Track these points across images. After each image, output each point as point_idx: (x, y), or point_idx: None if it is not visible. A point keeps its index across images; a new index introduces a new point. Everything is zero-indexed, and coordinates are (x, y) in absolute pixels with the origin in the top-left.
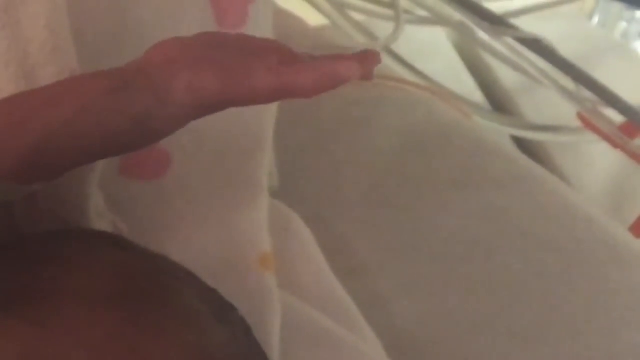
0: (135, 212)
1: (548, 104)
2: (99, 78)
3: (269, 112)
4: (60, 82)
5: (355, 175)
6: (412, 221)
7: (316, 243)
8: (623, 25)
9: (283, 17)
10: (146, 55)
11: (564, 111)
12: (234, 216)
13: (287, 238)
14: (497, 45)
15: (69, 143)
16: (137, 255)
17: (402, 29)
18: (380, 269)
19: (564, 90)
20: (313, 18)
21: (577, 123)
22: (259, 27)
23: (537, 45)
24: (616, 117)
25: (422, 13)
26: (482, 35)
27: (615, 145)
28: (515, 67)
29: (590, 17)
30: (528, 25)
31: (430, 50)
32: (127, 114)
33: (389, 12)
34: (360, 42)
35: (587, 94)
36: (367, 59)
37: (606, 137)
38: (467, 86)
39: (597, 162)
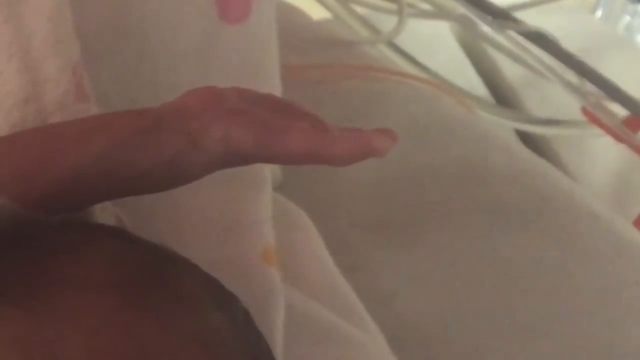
0: (138, 205)
1: (552, 97)
2: (132, 116)
3: None
4: (93, 117)
5: (357, 169)
6: (415, 214)
7: (320, 237)
8: (626, 18)
9: (286, 11)
10: (182, 99)
11: (568, 105)
12: (237, 209)
13: (290, 232)
14: (500, 39)
15: (96, 180)
16: (137, 246)
17: (405, 23)
18: (383, 264)
19: (567, 84)
20: (316, 11)
21: (580, 117)
22: (262, 21)
23: (540, 39)
24: (620, 111)
25: (425, 7)
26: (486, 29)
27: (619, 139)
28: (519, 61)
29: (594, 10)
30: (531, 19)
31: (433, 44)
32: (158, 155)
33: (392, 5)
34: (363, 35)
35: (590, 87)
36: (388, 135)
37: (610, 131)
38: (470, 80)
39: (600, 156)
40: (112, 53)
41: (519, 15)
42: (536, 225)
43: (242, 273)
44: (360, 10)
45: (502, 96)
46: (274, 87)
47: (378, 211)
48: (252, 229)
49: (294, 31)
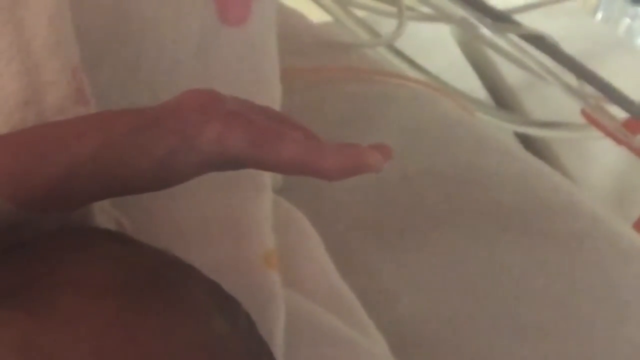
0: (138, 209)
1: (551, 100)
2: (126, 115)
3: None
4: (87, 116)
5: None
6: (415, 217)
7: (320, 240)
8: (626, 21)
9: (286, 14)
10: (178, 98)
11: (568, 108)
12: (237, 213)
13: (291, 235)
14: (500, 41)
15: (90, 178)
16: (138, 250)
17: (405, 26)
18: (383, 267)
19: (567, 87)
20: (316, 15)
21: (580, 119)
22: (262, 23)
23: (540, 41)
24: (620, 114)
25: (425, 10)
26: (486, 32)
27: (618, 141)
28: (519, 64)
29: (594, 13)
30: (531, 21)
31: (433, 47)
32: (151, 154)
33: (392, 8)
34: (363, 38)
35: (590, 90)
36: (383, 151)
37: (610, 134)
38: (470, 83)
39: (600, 158)
40: (112, 56)
41: (519, 18)
42: (536, 228)
43: (242, 276)
44: (360, 13)
45: (502, 99)
46: (273, 89)
47: (378, 214)
48: (252, 232)
49: (294, 34)
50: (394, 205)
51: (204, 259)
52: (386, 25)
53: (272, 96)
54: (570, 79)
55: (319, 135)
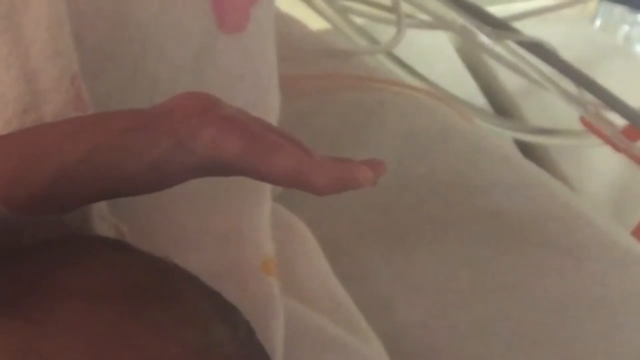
0: (137, 216)
1: (550, 107)
2: (119, 116)
3: (272, 115)
4: (79, 118)
5: None
6: (413, 224)
7: (319, 247)
8: (625, 28)
9: (285, 21)
10: (174, 100)
11: (567, 115)
12: (236, 220)
13: (290, 242)
14: (499, 49)
15: (83, 180)
16: (137, 257)
17: (404, 33)
18: (382, 273)
19: (566, 94)
20: (315, 22)
21: (579, 127)
22: (261, 31)
23: (539, 48)
24: (619, 121)
25: (424, 17)
26: (484, 39)
27: (617, 148)
28: (518, 71)
29: (593, 20)
30: (530, 29)
31: (432, 54)
32: (144, 156)
33: (390, 16)
34: (362, 46)
35: (589, 97)
36: (376, 167)
37: (609, 141)
38: (469, 90)
39: (599, 165)
40: (110, 63)
41: (518, 25)
42: (534, 235)
43: (242, 283)
44: (358, 20)
45: (501, 106)
46: (272, 97)
47: (377, 220)
48: (251, 239)
49: (293, 41)
50: (392, 211)
51: (202, 266)
52: (385, 33)
53: (270, 104)
54: (569, 86)
55: (314, 149)
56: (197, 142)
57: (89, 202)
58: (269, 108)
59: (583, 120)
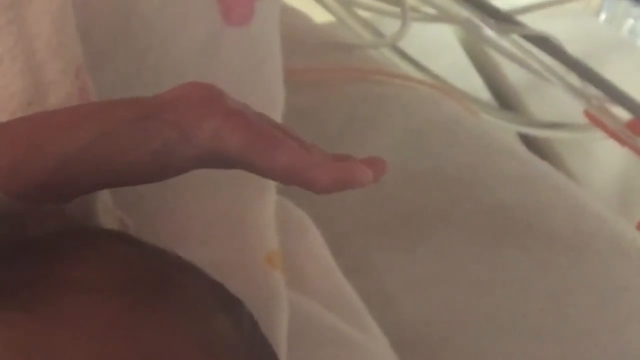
0: (141, 208)
1: (555, 101)
2: (122, 105)
3: (276, 109)
4: (82, 106)
5: None
6: (418, 218)
7: (323, 240)
8: (630, 22)
9: (289, 14)
10: (177, 89)
11: (571, 108)
12: (240, 213)
13: (294, 236)
14: (504, 42)
15: (85, 169)
16: (141, 250)
17: (409, 27)
18: (386, 267)
19: (571, 88)
20: (319, 15)
21: (584, 120)
22: (266, 24)
23: (544, 42)
24: (623, 115)
25: (429, 10)
26: (489, 32)
27: (622, 142)
28: (522, 65)
29: (597, 14)
30: (535, 22)
31: (437, 48)
32: (147, 145)
33: (395, 9)
34: (366, 39)
35: (594, 91)
36: (377, 166)
37: (613, 135)
38: (474, 84)
39: (604, 159)
40: (115, 55)
41: (523, 19)
42: (539, 229)
43: (246, 276)
44: (363, 13)
45: (505, 100)
46: (276, 90)
47: (381, 214)
48: (256, 233)
49: (297, 34)
50: (397, 205)
51: (207, 259)
52: (390, 26)
53: (275, 96)
54: (574, 79)
55: (315, 145)
56: (199, 133)
57: (90, 190)
58: (274, 101)
59: (587, 113)
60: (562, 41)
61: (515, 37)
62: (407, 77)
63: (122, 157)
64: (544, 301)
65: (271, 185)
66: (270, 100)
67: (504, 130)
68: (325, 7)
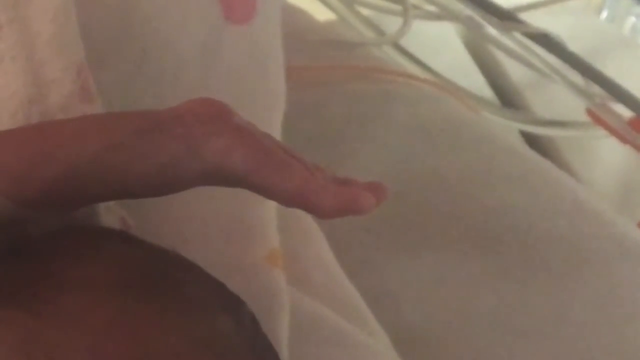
0: (142, 207)
1: (557, 99)
2: (131, 117)
3: (278, 107)
4: (90, 117)
5: (362, 171)
6: (420, 217)
7: (325, 239)
8: (632, 20)
9: (291, 12)
10: (186, 104)
11: (573, 106)
12: (241, 211)
13: (296, 234)
14: (505, 40)
15: (91, 179)
16: (142, 249)
17: (411, 24)
18: (388, 266)
19: (572, 85)
20: (321, 13)
21: (585, 118)
22: (267, 22)
23: (545, 40)
24: (625, 112)
25: (431, 8)
26: (491, 30)
27: (624, 140)
28: (524, 62)
29: (599, 12)
30: (536, 20)
31: (438, 46)
32: (154, 158)
33: (397, 7)
34: (368, 37)
35: (595, 89)
36: (378, 191)
37: (615, 132)
38: (475, 81)
39: (605, 157)
40: (116, 53)
41: (524, 16)
42: (540, 227)
43: (247, 275)
44: (365, 11)
45: (507, 97)
46: (278, 88)
47: (383, 213)
48: (257, 231)
49: (299, 33)
50: (399, 204)
51: (208, 258)
52: (391, 24)
53: (277, 94)
54: (576, 77)
55: (317, 165)
56: (207, 149)
57: (95, 201)
58: (276, 99)
59: (589, 111)
60: (563, 39)
61: (517, 35)
62: (409, 75)
63: (129, 169)
64: (545, 299)
65: None
66: (273, 98)
67: (506, 128)
68: (327, 5)
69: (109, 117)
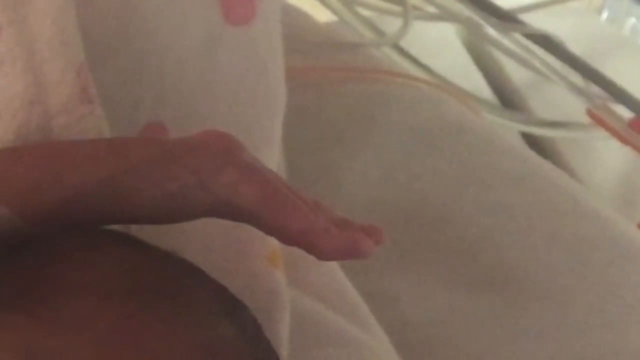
0: None
1: (557, 100)
2: (144, 144)
3: (278, 108)
4: (103, 140)
5: (362, 172)
6: (420, 218)
7: None
8: (632, 21)
9: (291, 13)
10: (199, 136)
11: (573, 107)
12: None
13: None
14: (505, 41)
15: (99, 203)
16: (145, 252)
17: (411, 25)
18: (388, 267)
19: (572, 86)
20: (321, 14)
21: (586, 119)
22: (267, 23)
23: (546, 41)
24: (625, 113)
25: (431, 9)
26: (491, 31)
27: (624, 141)
28: (524, 63)
29: (599, 13)
30: (537, 21)
31: (438, 47)
32: (164, 187)
33: (397, 8)
34: (368, 38)
35: (596, 90)
36: (375, 234)
37: (615, 133)
38: (475, 82)
39: (606, 158)
40: (116, 53)
41: (525, 17)
42: (541, 228)
43: (247, 276)
44: (365, 12)
45: (507, 98)
46: (278, 89)
47: (383, 214)
48: (257, 232)
49: (299, 34)
50: (399, 204)
51: (209, 258)
52: (391, 25)
53: (276, 95)
54: (576, 78)
55: (320, 202)
56: (217, 182)
57: (102, 224)
58: (276, 100)
59: (590, 112)
60: (564, 40)
61: (517, 35)
62: (409, 75)
63: (138, 196)
64: (545, 300)
65: None
66: (273, 99)
67: (506, 129)
68: (327, 6)
69: (122, 142)
